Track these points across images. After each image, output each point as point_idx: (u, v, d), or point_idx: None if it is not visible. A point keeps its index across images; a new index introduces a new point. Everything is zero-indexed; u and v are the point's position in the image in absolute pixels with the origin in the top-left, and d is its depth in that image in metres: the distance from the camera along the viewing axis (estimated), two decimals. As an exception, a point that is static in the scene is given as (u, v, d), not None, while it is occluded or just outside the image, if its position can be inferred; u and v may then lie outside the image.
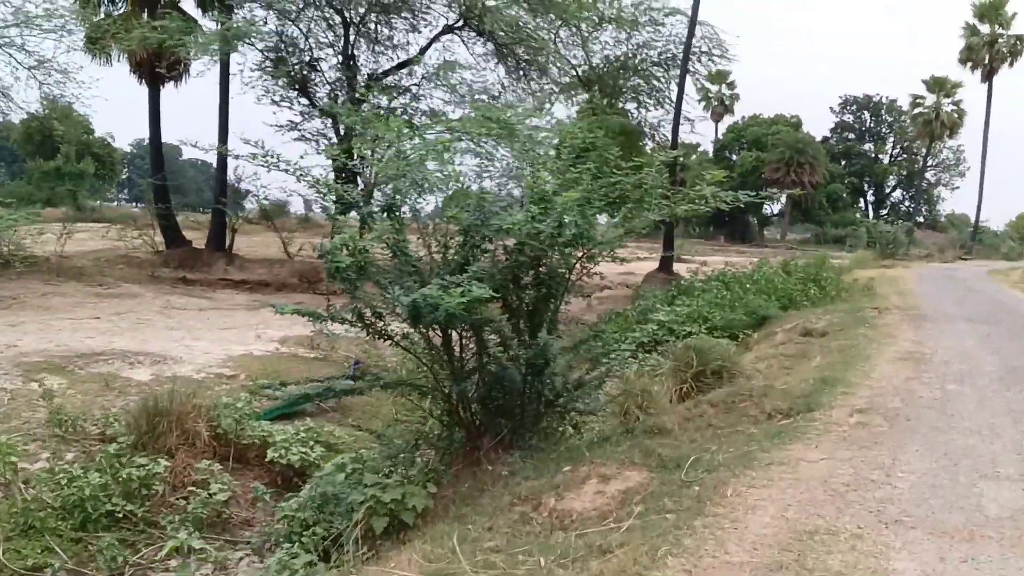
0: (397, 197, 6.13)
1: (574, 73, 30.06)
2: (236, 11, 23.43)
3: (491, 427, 6.35)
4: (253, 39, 22.76)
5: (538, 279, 6.33)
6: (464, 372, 6.26)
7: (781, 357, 9.92)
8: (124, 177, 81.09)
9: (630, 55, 29.93)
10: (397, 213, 6.11)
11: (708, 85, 76.07)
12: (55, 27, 19.30)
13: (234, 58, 23.81)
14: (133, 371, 11.03)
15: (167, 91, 26.01)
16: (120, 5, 25.26)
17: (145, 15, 23.90)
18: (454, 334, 6.29)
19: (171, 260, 23.88)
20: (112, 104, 33.14)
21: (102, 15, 25.16)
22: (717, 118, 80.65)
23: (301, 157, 24.37)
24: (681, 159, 79.25)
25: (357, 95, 23.97)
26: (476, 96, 24.92)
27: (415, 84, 24.22)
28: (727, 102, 79.82)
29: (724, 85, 76.98)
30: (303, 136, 24.71)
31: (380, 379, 6.66)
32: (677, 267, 31.98)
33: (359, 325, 5.89)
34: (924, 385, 7.36)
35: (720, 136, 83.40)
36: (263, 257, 26.02)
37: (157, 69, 23.31)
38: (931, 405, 6.63)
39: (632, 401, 8.37)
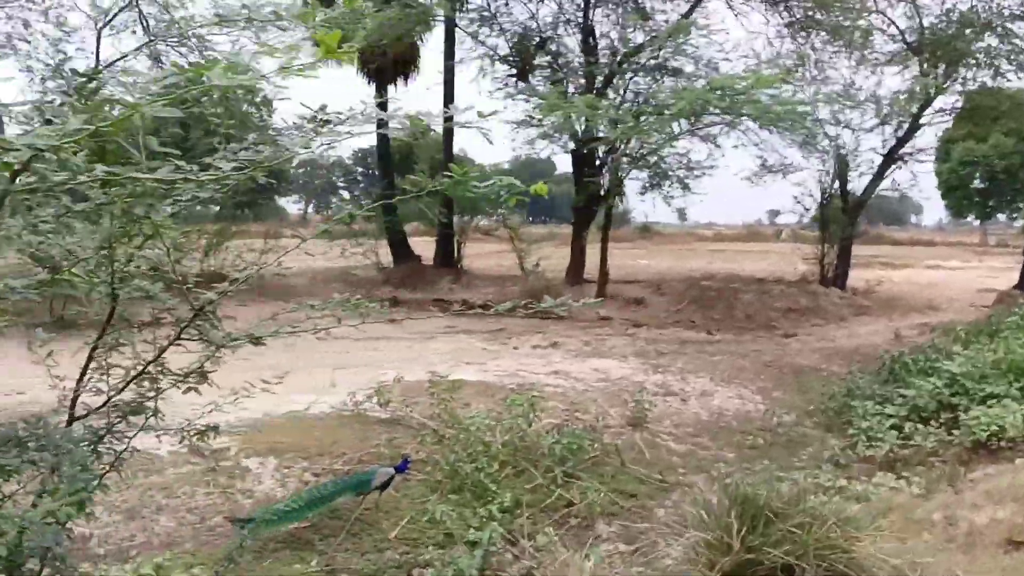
0: None
1: (901, 38, 23.53)
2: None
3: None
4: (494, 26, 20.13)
5: None
6: None
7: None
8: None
9: (977, 8, 22.69)
10: None
11: None
12: (252, 25, 17.59)
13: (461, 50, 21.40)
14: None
15: (398, 92, 23.98)
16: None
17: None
18: None
19: (393, 277, 21.70)
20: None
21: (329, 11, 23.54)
22: None
23: (548, 158, 21.18)
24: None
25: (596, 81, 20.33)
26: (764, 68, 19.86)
27: (656, 56, 19.70)
28: None
29: None
30: (546, 134, 21.28)
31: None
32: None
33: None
34: None
35: None
36: (498, 274, 23.05)
37: (367, 65, 21.33)
38: None
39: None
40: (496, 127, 21.44)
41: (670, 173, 21.28)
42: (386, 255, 23.27)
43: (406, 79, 23.71)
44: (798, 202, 24.40)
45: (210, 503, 6.68)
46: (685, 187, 21.77)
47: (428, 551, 5.94)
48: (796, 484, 4.85)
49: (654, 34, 19.68)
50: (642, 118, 16.59)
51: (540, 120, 20.54)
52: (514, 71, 20.95)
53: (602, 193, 20.10)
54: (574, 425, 8.59)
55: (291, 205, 75.79)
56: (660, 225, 65.71)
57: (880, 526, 4.20)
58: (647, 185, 21.67)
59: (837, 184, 23.22)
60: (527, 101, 20.63)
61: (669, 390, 11.21)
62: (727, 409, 10.85)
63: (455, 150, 32.79)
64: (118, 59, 17.34)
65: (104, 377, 2.65)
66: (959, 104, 24.23)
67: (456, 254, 23.59)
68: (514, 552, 6.28)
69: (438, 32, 23.08)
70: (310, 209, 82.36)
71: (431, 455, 7.67)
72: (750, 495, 3.91)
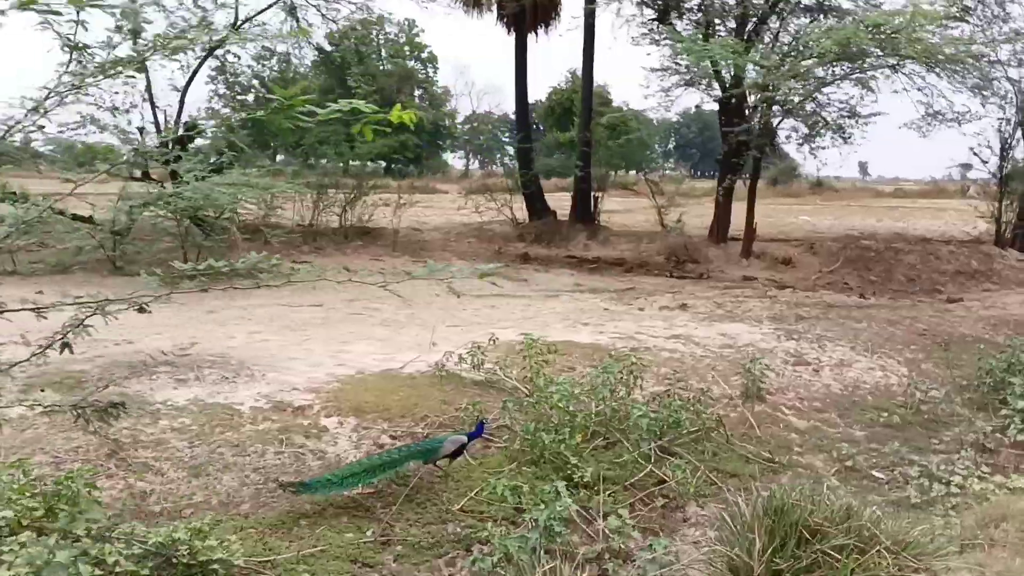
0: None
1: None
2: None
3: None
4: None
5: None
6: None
7: None
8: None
9: None
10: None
11: None
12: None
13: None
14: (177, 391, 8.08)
15: (539, 44, 23.22)
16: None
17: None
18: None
19: (528, 233, 21.12)
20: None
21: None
22: None
23: (697, 107, 20.44)
24: None
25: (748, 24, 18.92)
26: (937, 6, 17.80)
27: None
28: None
29: None
30: (689, 81, 20.02)
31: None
32: None
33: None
34: None
35: None
36: (639, 230, 22.05)
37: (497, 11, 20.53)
38: None
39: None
40: (642, 76, 20.40)
41: (828, 121, 19.54)
42: (521, 210, 22.72)
43: (547, 27, 22.87)
44: (975, 155, 22.19)
45: (278, 463, 6.40)
46: (845, 138, 20.03)
47: (490, 526, 5.48)
48: (847, 495, 3.94)
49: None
50: (789, 61, 15.21)
51: (686, 66, 19.39)
52: (655, 14, 19.72)
53: (749, 143, 18.65)
54: (680, 395, 7.86)
55: (457, 161, 76.41)
56: (838, 180, 61.73)
57: (951, 550, 3.32)
58: (801, 135, 20.02)
59: (1020, 133, 20.90)
60: (672, 47, 19.45)
61: (801, 359, 10.25)
62: (864, 382, 9.85)
63: (616, 102, 31.76)
64: (256, 14, 17.66)
65: None
66: None
67: (594, 209, 22.74)
68: (589, 532, 5.75)
69: (580, -25, 22.06)
70: (474, 164, 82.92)
71: (515, 421, 7.18)
72: (786, 507, 3.13)
